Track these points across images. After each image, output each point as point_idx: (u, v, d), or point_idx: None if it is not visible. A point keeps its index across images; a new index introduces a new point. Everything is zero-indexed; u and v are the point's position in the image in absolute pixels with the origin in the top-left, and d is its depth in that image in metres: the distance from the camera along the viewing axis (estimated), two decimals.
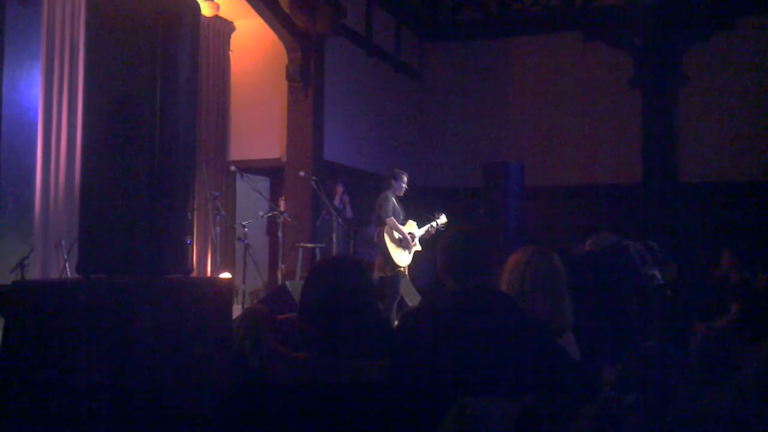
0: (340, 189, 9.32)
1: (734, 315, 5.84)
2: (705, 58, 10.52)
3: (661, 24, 10.49)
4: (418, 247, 7.30)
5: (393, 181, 7.22)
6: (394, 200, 7.18)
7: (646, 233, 8.38)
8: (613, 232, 4.59)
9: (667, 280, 5.54)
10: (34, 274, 6.04)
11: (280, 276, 8.09)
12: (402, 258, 7.10)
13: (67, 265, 6.61)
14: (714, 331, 5.79)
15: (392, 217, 7.07)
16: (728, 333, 5.67)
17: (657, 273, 5.10)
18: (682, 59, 10.62)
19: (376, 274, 7.05)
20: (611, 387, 2.90)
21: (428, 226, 7.38)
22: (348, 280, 2.33)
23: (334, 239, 8.12)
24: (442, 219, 7.49)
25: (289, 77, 9.16)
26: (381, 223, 7.12)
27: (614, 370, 3.00)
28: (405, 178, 7.26)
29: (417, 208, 7.80)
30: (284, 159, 9.31)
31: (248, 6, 8.57)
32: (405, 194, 7.39)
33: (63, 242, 6.85)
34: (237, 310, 5.38)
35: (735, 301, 5.92)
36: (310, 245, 8.54)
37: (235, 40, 10.08)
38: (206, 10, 8.61)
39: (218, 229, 8.22)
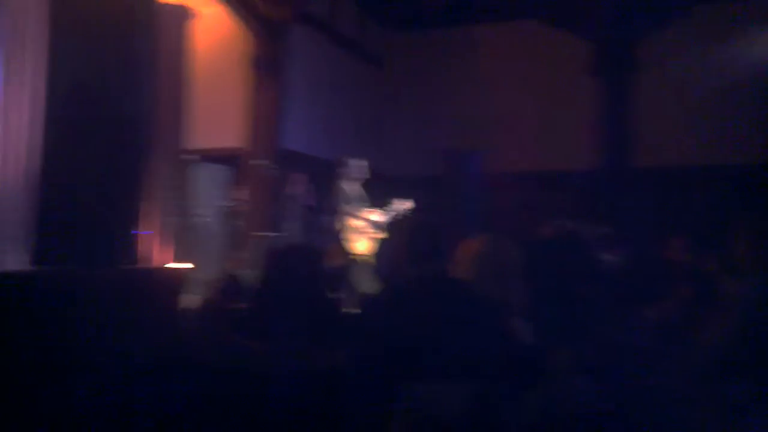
0: (301, 178, 9.28)
1: (685, 298, 5.98)
2: (662, 45, 10.67)
3: (618, 11, 10.61)
4: (380, 234, 7.30)
5: (342, 170, 7.29)
6: (347, 188, 7.21)
7: (600, 219, 8.50)
8: (569, 219, 4.66)
9: (621, 265, 5.64)
10: None
11: (235, 266, 8.04)
12: (357, 245, 7.11)
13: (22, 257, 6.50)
14: (665, 314, 5.94)
15: (345, 205, 7.09)
16: (679, 316, 5.81)
17: (610, 258, 5.19)
18: (638, 46, 10.76)
19: (331, 262, 7.05)
20: (563, 371, 2.96)
21: (390, 212, 7.39)
22: (299, 268, 2.34)
23: (293, 228, 8.09)
24: (406, 204, 7.49)
25: (251, 65, 9.07)
26: (335, 212, 7.14)
27: (566, 354, 3.05)
28: (355, 163, 7.29)
29: (380, 195, 7.80)
30: (244, 148, 9.22)
31: None
32: (368, 182, 7.39)
33: (18, 234, 6.72)
34: (194, 300, 5.35)
35: (686, 284, 6.07)
36: (267, 234, 8.49)
37: (196, 26, 9.93)
38: None
39: (176, 219, 8.12)
